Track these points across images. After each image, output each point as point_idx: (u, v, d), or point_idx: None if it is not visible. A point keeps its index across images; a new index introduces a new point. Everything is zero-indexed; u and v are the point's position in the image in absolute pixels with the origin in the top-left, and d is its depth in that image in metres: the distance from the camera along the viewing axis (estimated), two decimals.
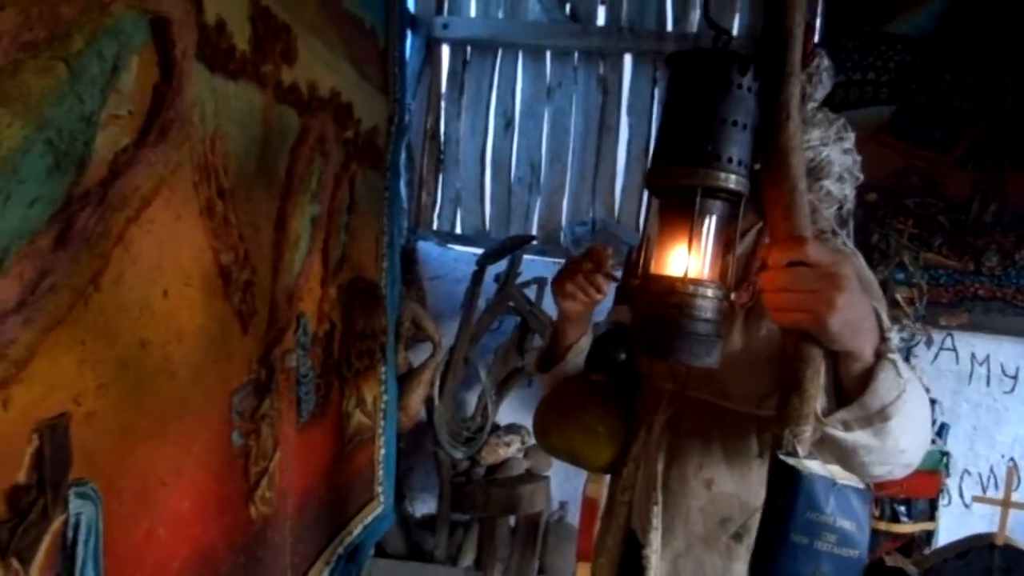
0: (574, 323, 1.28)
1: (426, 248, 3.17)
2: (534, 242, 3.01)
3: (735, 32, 3.20)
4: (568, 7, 3.25)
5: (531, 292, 2.92)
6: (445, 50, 3.30)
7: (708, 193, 0.84)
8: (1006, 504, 2.13)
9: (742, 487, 1.14)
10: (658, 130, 0.89)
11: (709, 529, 1.17)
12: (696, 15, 3.25)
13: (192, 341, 1.25)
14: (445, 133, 3.31)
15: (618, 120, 3.28)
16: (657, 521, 1.18)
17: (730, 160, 0.82)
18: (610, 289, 1.23)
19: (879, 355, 0.84)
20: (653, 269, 0.90)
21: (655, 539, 1.18)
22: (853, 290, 0.79)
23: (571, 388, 1.29)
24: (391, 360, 2.43)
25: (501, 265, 2.89)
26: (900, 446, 0.87)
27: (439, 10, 3.27)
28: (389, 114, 2.32)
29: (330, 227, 1.84)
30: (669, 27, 3.24)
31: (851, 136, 1.16)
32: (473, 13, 3.30)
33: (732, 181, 0.82)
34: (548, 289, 2.94)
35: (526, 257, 2.96)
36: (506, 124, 3.30)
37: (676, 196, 0.87)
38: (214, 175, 1.27)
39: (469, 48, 3.30)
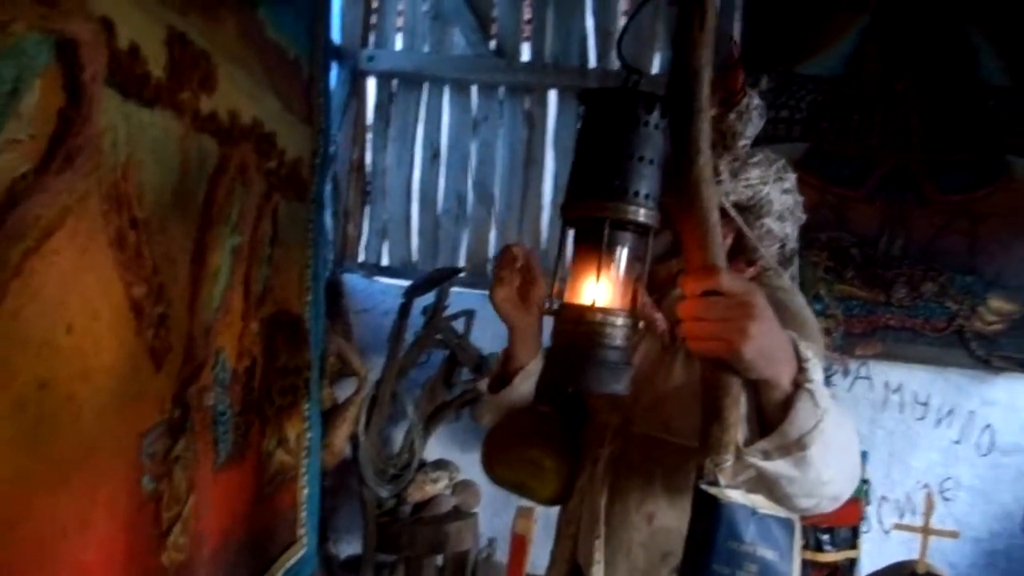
0: (522, 339, 1.24)
1: (352, 281, 3.12)
2: (462, 274, 2.99)
3: (655, 70, 3.30)
4: (493, 43, 3.29)
5: (459, 325, 2.90)
6: (371, 82, 3.29)
7: (618, 225, 0.87)
8: (926, 531, 2.19)
9: (683, 522, 1.13)
10: (572, 164, 0.92)
11: (650, 563, 1.16)
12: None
13: (99, 380, 1.18)
14: (371, 165, 3.29)
15: (543, 154, 3.32)
16: (600, 555, 1.17)
17: (636, 194, 0.85)
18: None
19: (797, 385, 0.85)
20: (567, 298, 0.91)
21: (597, 573, 1.17)
22: (766, 319, 0.79)
23: (519, 420, 1.27)
24: (315, 396, 2.36)
25: (428, 298, 2.86)
26: (823, 477, 0.88)
27: (364, 42, 3.26)
28: (314, 145, 2.27)
29: (252, 259, 1.78)
30: (592, 63, 3.31)
31: (791, 176, 1.19)
32: (399, 46, 3.31)
33: (640, 214, 0.85)
34: (476, 322, 2.93)
35: (453, 289, 2.93)
36: (433, 156, 3.29)
37: (588, 228, 0.89)
38: (126, 205, 1.21)
39: (395, 81, 3.29)
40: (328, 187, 2.63)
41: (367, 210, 3.30)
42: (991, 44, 3.13)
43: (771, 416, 0.86)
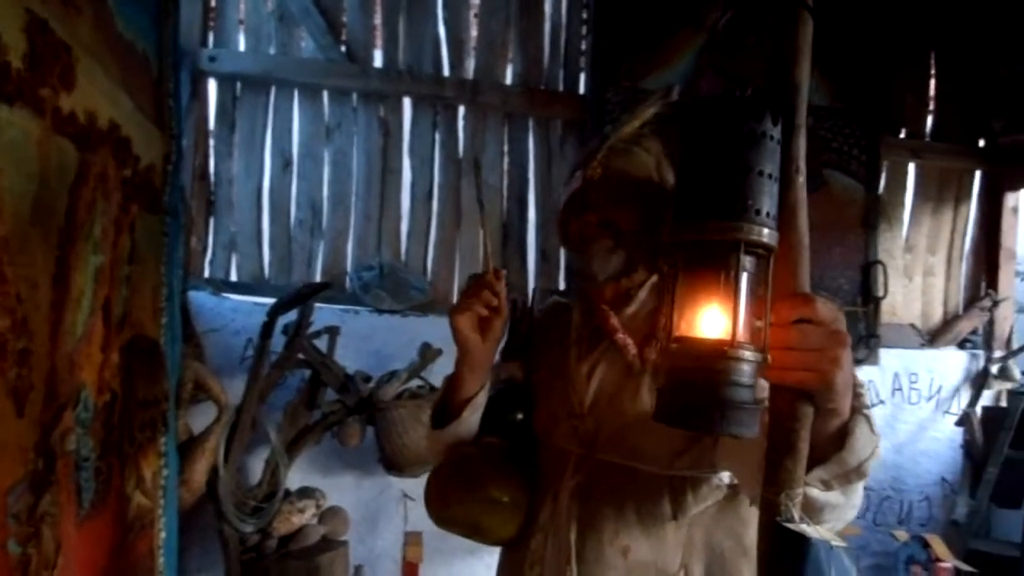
0: (472, 368, 1.17)
1: (199, 298, 2.86)
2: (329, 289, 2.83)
3: (508, 80, 3.32)
4: (344, 47, 3.16)
5: (321, 343, 2.74)
6: (212, 84, 3.04)
7: (740, 247, 0.78)
8: None
9: (658, 554, 1.10)
10: (682, 182, 0.82)
11: None
12: (471, 62, 3.32)
13: None
14: (216, 173, 3.04)
15: (401, 162, 3.23)
16: None
17: (767, 213, 0.78)
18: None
19: (853, 410, 0.84)
20: (683, 331, 0.82)
21: None
22: (849, 346, 0.79)
23: (468, 455, 1.18)
24: (172, 428, 2.13)
25: (288, 316, 2.68)
26: (855, 502, 0.89)
27: (204, 41, 3.01)
28: (165, 150, 2.06)
29: (112, 280, 1.57)
30: (446, 72, 3.27)
31: None
32: (242, 47, 3.09)
33: (766, 235, 0.78)
34: (340, 339, 2.79)
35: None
36: (284, 165, 3.11)
37: (705, 252, 0.80)
38: None
39: (239, 84, 3.07)
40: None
41: (212, 221, 3.04)
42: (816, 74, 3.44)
43: (822, 443, 0.84)
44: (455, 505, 1.17)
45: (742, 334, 0.79)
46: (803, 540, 0.76)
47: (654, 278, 1.22)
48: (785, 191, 0.79)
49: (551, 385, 1.22)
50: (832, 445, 0.85)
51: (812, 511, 0.85)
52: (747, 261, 0.79)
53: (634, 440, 1.12)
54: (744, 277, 0.79)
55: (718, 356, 0.77)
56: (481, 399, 1.19)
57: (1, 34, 1.04)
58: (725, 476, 1.11)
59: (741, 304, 0.79)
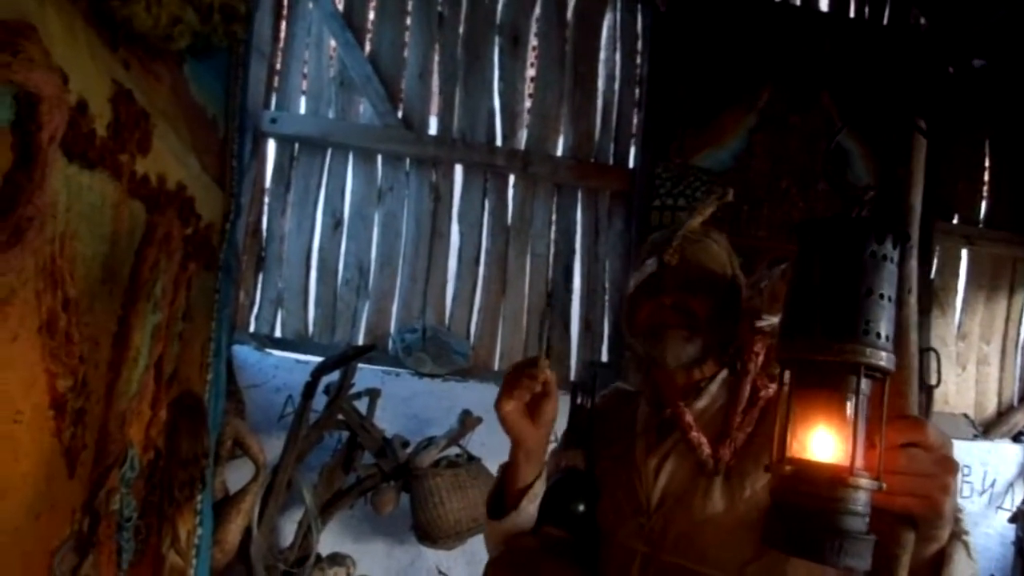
0: (528, 456, 1.14)
1: (242, 353, 2.88)
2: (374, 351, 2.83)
3: (559, 151, 3.36)
4: (401, 113, 3.24)
5: (361, 405, 2.73)
6: (271, 144, 3.12)
7: (858, 370, 0.76)
8: None
9: None
10: (797, 298, 0.80)
11: None
12: (524, 133, 3.36)
13: (15, 495, 0.97)
14: (268, 230, 3.09)
15: (449, 227, 3.26)
16: None
17: (886, 337, 0.76)
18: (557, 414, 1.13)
19: (952, 535, 0.81)
20: (796, 453, 0.78)
21: None
22: (958, 473, 0.76)
23: (528, 548, 1.14)
24: (209, 486, 2.12)
25: (329, 375, 2.67)
26: None
27: (267, 104, 3.10)
28: (225, 209, 2.10)
29: (167, 338, 1.59)
30: (499, 142, 3.32)
31: None
32: (303, 110, 3.18)
33: (884, 358, 0.75)
34: (380, 401, 2.77)
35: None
36: (335, 225, 3.15)
37: (822, 372, 0.77)
38: (60, 283, 1.03)
39: (297, 145, 3.15)
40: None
41: (261, 277, 3.08)
42: (861, 148, 3.44)
43: (921, 569, 0.80)
44: None
45: (860, 459, 0.75)
46: None
47: (724, 372, 1.19)
48: (897, 311, 0.77)
49: (616, 477, 1.19)
50: (929, 571, 0.81)
51: None
52: (864, 384, 0.76)
53: (703, 543, 1.07)
54: (860, 401, 0.76)
55: (837, 483, 0.73)
56: (539, 488, 1.16)
57: (89, 103, 1.07)
58: None
59: (860, 429, 0.75)
